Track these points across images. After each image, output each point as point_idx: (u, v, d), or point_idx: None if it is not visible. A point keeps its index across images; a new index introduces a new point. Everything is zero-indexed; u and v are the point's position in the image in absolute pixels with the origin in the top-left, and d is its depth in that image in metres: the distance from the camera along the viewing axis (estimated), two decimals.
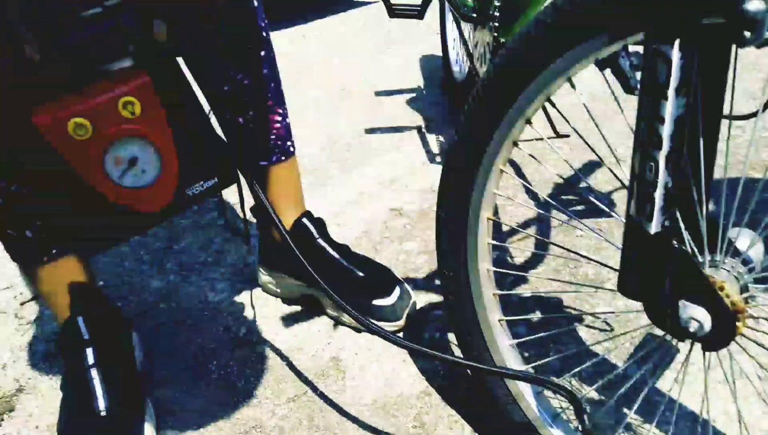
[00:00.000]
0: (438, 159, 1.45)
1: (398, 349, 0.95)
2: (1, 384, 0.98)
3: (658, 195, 0.52)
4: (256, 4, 0.83)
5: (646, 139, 0.50)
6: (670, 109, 0.48)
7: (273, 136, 0.93)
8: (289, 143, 0.95)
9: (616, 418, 0.80)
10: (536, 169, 1.38)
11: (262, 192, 0.96)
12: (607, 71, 0.56)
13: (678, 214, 0.55)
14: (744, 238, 0.57)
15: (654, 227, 0.53)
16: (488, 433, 0.81)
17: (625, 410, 0.81)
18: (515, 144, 0.65)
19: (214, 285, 1.14)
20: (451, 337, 0.96)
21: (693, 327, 0.55)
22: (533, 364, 0.76)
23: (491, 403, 0.76)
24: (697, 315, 0.54)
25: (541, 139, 1.05)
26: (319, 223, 1.01)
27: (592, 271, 1.06)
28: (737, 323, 0.53)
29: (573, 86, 0.61)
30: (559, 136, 1.53)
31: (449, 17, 1.79)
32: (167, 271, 1.19)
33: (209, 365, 0.96)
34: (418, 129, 1.60)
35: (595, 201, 0.72)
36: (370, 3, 2.66)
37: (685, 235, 0.55)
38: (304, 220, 0.98)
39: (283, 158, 0.95)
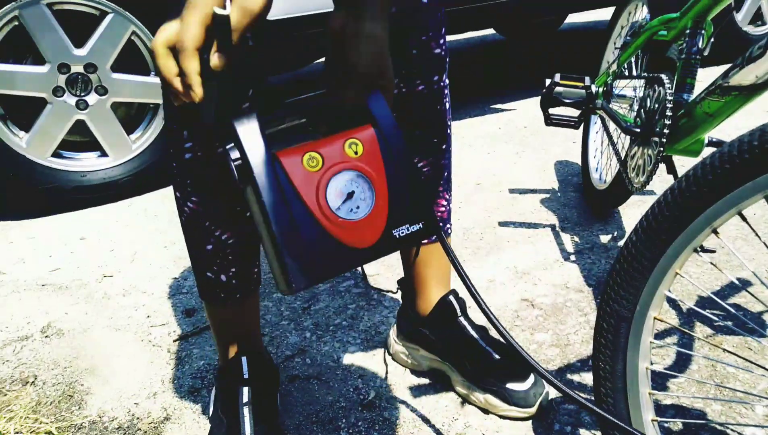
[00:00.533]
0: (572, 258, 1.45)
1: None
2: (151, 410, 1.07)
3: None
4: (447, 106, 0.94)
5: None
6: None
7: (437, 218, 1.00)
8: (448, 225, 1.02)
9: None
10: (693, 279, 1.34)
11: (415, 268, 1.03)
12: None
13: None
14: None
15: None
16: None
17: None
18: (696, 250, 0.67)
19: (347, 347, 1.19)
20: (583, 431, 0.93)
21: None
22: None
23: None
24: None
25: (702, 251, 1.03)
26: (462, 303, 1.04)
27: (740, 387, 0.99)
28: None
29: None
30: (705, 251, 1.49)
31: (593, 129, 1.84)
32: (304, 329, 1.26)
33: (339, 422, 1.00)
34: (552, 227, 1.62)
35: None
36: (504, 110, 2.78)
37: None
38: (450, 297, 1.03)
39: None
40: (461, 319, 1.02)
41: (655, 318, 0.70)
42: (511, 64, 3.78)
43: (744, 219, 0.64)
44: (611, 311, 0.72)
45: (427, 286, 1.03)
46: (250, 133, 0.59)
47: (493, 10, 2.53)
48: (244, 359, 0.90)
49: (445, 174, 0.98)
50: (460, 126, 2.58)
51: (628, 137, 1.40)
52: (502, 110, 2.78)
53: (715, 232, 0.65)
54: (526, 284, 1.36)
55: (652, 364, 0.71)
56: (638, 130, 1.15)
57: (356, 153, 0.62)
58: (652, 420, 0.71)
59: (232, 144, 0.59)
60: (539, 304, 1.28)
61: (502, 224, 1.66)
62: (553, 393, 1.02)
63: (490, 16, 2.61)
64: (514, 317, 1.24)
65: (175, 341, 1.27)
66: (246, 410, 0.88)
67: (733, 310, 0.82)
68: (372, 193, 0.62)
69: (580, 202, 1.76)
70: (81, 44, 1.85)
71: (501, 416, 0.97)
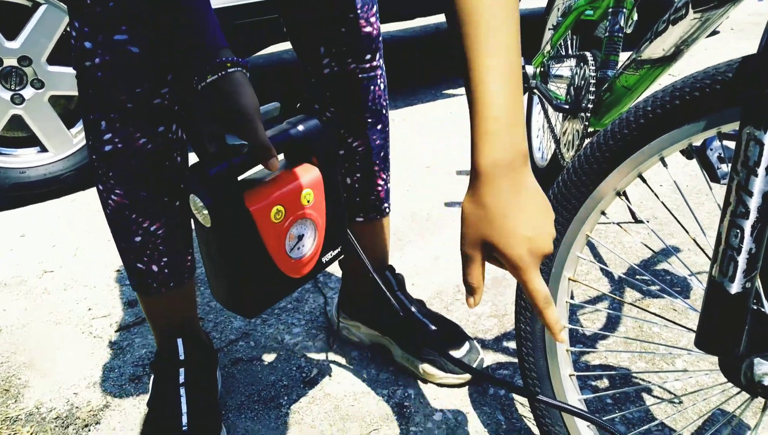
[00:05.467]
0: None
1: (462, 400, 0.96)
2: (90, 398, 1.06)
3: (742, 259, 0.54)
4: (383, 87, 0.94)
5: (735, 209, 0.53)
6: (759, 185, 0.51)
7: (373, 197, 1.00)
8: (386, 205, 1.03)
9: None
10: (619, 248, 1.38)
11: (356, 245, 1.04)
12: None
13: (758, 278, 0.56)
14: None
15: (735, 288, 0.55)
16: None
17: None
18: (603, 213, 0.70)
19: (291, 329, 1.20)
20: (516, 396, 0.96)
21: (766, 381, 0.56)
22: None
23: None
24: None
25: (634, 222, 1.07)
26: (400, 279, 1.06)
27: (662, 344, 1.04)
28: None
29: (665, 165, 0.65)
30: (636, 221, 1.54)
31: (535, 109, 1.89)
32: None
33: (281, 400, 1.00)
34: None
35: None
36: (455, 95, 2.81)
37: (763, 296, 0.57)
38: (387, 273, 1.04)
39: (378, 217, 1.02)
40: (398, 293, 1.03)
41: (569, 279, 0.73)
42: None
43: (644, 181, 0.67)
44: None
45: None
46: (224, 182, 0.64)
47: None
48: (179, 341, 0.90)
49: (382, 154, 0.98)
50: (411, 111, 2.60)
51: (561, 115, 1.44)
52: (453, 95, 2.81)
53: (618, 194, 0.68)
54: None
55: (574, 324, 0.75)
56: (567, 106, 1.19)
57: (309, 202, 0.70)
58: (570, 374, 0.74)
59: (204, 191, 0.64)
60: None
61: (448, 205, 1.69)
62: (488, 361, 1.05)
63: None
64: (455, 292, 1.27)
65: (116, 332, 1.26)
66: (183, 391, 0.87)
67: (653, 277, 0.86)
68: (315, 234, 0.73)
69: None
70: (13, 36, 1.80)
71: (438, 384, 0.99)
